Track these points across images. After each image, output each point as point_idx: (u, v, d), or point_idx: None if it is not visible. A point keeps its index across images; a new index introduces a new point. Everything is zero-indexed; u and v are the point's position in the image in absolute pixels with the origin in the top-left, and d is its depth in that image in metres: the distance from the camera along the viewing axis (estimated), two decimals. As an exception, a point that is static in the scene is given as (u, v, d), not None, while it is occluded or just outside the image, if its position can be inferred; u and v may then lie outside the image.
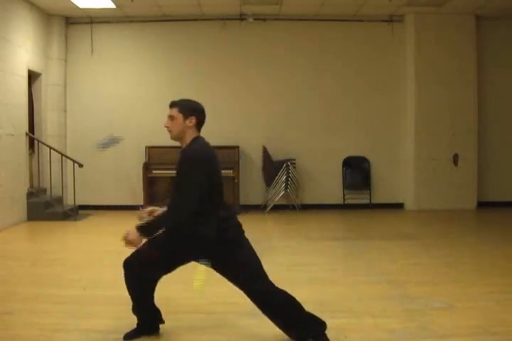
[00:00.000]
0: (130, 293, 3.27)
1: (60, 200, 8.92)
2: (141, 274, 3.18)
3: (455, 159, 9.52)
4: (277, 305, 3.17)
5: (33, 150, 8.91)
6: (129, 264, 3.22)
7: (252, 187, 9.61)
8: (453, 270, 5.20)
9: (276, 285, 3.20)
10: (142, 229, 3.05)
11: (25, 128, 8.39)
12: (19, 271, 5.22)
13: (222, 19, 9.51)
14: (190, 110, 3.22)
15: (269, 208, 9.35)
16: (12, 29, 7.87)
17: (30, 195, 8.39)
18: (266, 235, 7.30)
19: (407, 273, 5.06)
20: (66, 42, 9.52)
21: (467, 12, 9.27)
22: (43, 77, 9.07)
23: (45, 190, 8.92)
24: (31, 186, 8.73)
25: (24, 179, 8.33)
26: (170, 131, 3.26)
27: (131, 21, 9.56)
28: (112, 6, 8.72)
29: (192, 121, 3.20)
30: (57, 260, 5.72)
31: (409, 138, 9.62)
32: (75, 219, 8.44)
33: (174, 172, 3.20)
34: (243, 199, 9.33)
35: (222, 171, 3.29)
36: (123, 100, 9.64)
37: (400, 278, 4.87)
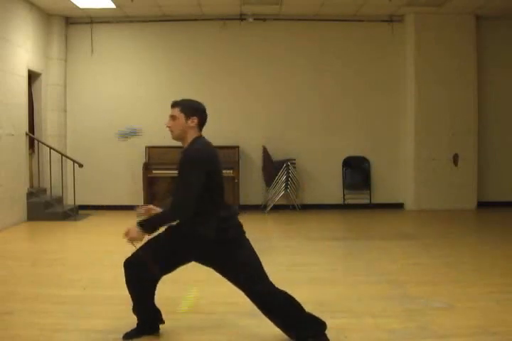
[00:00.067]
0: (130, 293, 3.28)
1: (60, 200, 8.92)
2: (142, 274, 3.18)
3: (455, 159, 9.52)
4: (277, 305, 3.17)
5: (33, 150, 8.91)
6: (129, 264, 3.22)
7: (252, 187, 9.61)
8: (453, 270, 5.19)
9: (276, 285, 3.20)
10: (143, 225, 3.06)
11: (25, 128, 8.39)
12: (19, 271, 5.22)
13: (222, 19, 9.51)
14: (192, 110, 3.22)
15: (269, 208, 9.35)
16: (12, 29, 7.87)
17: (30, 195, 8.39)
18: (266, 235, 7.30)
19: (407, 273, 5.06)
20: (66, 42, 9.52)
21: (467, 12, 9.27)
22: (43, 77, 9.07)
23: (45, 190, 8.92)
24: (31, 186, 8.73)
25: (24, 179, 8.33)
26: (171, 131, 3.25)
27: (131, 21, 9.56)
28: (112, 6, 8.72)
29: (194, 121, 3.20)
30: (57, 260, 5.71)
31: (409, 138, 9.62)
32: (75, 219, 8.44)
33: (174, 172, 3.20)
34: (243, 199, 9.33)
35: (222, 171, 3.29)
36: (123, 100, 9.64)
37: (400, 278, 4.87)
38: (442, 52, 9.41)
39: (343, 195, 9.77)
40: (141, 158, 9.40)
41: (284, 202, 9.49)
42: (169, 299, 3.90)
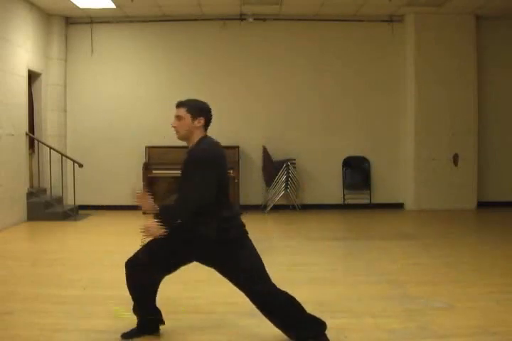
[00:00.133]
0: (131, 293, 3.27)
1: (60, 200, 8.92)
2: (143, 275, 3.18)
3: (455, 159, 9.52)
4: (278, 306, 3.16)
5: (33, 150, 8.91)
6: (130, 264, 3.21)
7: (252, 187, 9.61)
8: (453, 270, 5.19)
9: (276, 285, 3.19)
10: (161, 219, 3.01)
11: (25, 128, 8.39)
12: (19, 271, 5.22)
13: (222, 19, 9.51)
14: (199, 110, 3.21)
15: (269, 208, 9.35)
16: (12, 29, 7.87)
17: (30, 195, 8.38)
18: (266, 235, 7.30)
19: (407, 273, 5.06)
20: (66, 42, 9.52)
21: (467, 12, 9.27)
22: (43, 77, 9.07)
23: (45, 190, 8.92)
24: (31, 186, 8.73)
25: (24, 179, 8.33)
26: (177, 131, 3.23)
27: (131, 21, 9.56)
28: (112, 6, 8.72)
29: (200, 121, 3.20)
30: (57, 260, 5.71)
31: (409, 138, 9.61)
32: (75, 219, 8.44)
33: (174, 172, 3.20)
34: (243, 199, 9.33)
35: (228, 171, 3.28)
36: (123, 100, 9.64)
37: (400, 278, 4.87)
38: (442, 52, 9.41)
39: (343, 195, 9.77)
40: (141, 158, 9.40)
41: (284, 202, 9.49)
42: (170, 299, 3.90)
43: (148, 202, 3.22)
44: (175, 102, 3.31)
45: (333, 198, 9.74)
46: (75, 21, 9.54)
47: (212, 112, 3.28)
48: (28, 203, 8.24)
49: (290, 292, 3.21)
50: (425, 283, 4.67)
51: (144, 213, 8.80)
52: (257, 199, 9.61)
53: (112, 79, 9.66)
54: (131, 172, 9.47)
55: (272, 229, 8.28)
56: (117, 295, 3.90)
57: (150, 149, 9.34)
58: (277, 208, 9.36)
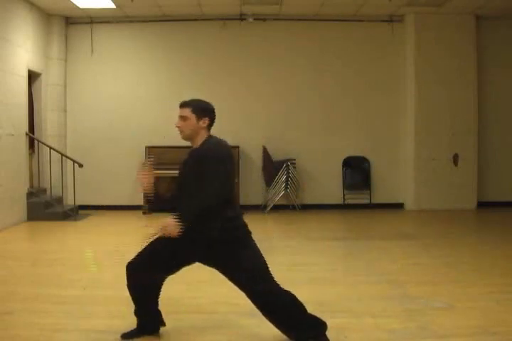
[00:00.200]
0: (131, 294, 3.27)
1: (60, 200, 8.92)
2: (144, 277, 3.18)
3: (455, 159, 9.52)
4: (280, 306, 3.14)
5: (33, 150, 8.91)
6: (132, 266, 3.21)
7: (252, 187, 9.60)
8: (453, 270, 5.20)
9: (280, 285, 3.18)
10: (180, 217, 2.97)
11: (25, 128, 8.39)
12: (19, 271, 5.22)
13: (222, 19, 9.51)
14: (204, 111, 3.21)
15: (269, 208, 9.35)
16: (12, 29, 7.87)
17: (30, 195, 8.38)
18: (266, 235, 7.29)
19: (407, 273, 5.06)
20: (66, 42, 9.52)
21: (467, 12, 9.27)
22: (43, 77, 9.07)
23: (45, 190, 8.92)
24: (31, 186, 8.73)
25: (24, 179, 8.33)
26: (181, 131, 3.22)
27: (131, 21, 9.56)
28: (112, 6, 8.72)
29: (205, 121, 3.20)
30: (57, 260, 5.71)
31: (409, 138, 9.62)
32: (75, 219, 8.44)
33: (174, 172, 3.19)
34: (243, 199, 9.32)
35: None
36: (123, 100, 9.64)
37: (400, 278, 4.87)
38: (442, 52, 9.41)
39: (343, 195, 9.77)
40: (141, 158, 9.40)
41: (284, 202, 9.49)
42: (171, 299, 3.90)
43: (150, 180, 3.21)
44: (175, 102, 3.31)
45: (333, 198, 9.75)
46: (75, 21, 9.54)
47: (214, 112, 3.29)
48: (28, 203, 8.24)
49: (291, 292, 3.21)
50: (425, 283, 4.67)
51: (145, 211, 8.83)
52: (257, 199, 9.61)
53: (112, 79, 9.66)
54: (131, 172, 9.42)
55: (271, 229, 8.27)
56: (117, 295, 3.90)
57: (150, 149, 9.33)
58: (277, 208, 9.36)
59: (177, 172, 3.34)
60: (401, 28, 9.67)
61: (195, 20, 9.53)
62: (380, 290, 4.46)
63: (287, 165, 9.27)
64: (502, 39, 9.64)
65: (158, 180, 3.25)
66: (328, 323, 3.21)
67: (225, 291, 3.81)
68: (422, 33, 9.40)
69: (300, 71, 9.71)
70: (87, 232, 7.66)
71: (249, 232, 3.22)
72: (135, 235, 7.49)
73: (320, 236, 7.21)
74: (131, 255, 3.29)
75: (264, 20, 9.58)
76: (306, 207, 9.56)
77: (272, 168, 9.35)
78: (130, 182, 9.47)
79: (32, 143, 8.79)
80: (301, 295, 3.27)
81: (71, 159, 8.70)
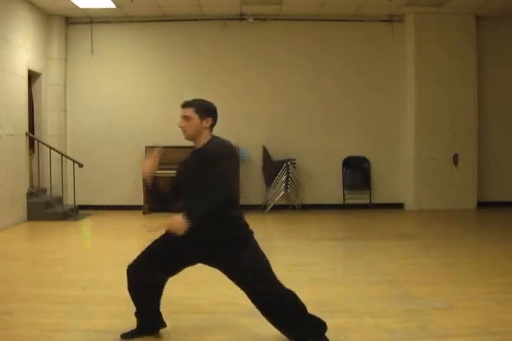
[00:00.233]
0: (132, 295, 3.26)
1: (60, 200, 8.92)
2: (144, 275, 3.17)
3: (455, 159, 9.52)
4: (281, 306, 3.13)
5: (33, 150, 8.91)
6: (133, 268, 3.20)
7: (252, 187, 9.59)
8: (453, 270, 5.20)
9: (283, 284, 3.17)
10: (188, 215, 2.95)
11: (25, 128, 8.39)
12: (19, 271, 5.22)
13: (222, 19, 9.51)
14: (207, 111, 3.21)
15: (269, 208, 9.35)
16: (12, 29, 7.87)
17: (30, 195, 8.38)
18: (266, 235, 7.28)
19: (407, 273, 5.06)
20: (66, 42, 9.52)
21: (467, 12, 9.27)
22: (43, 77, 9.07)
23: (45, 190, 8.92)
24: (31, 186, 8.73)
25: (24, 179, 8.33)
26: (184, 131, 3.22)
27: (131, 21, 9.56)
28: (112, 6, 8.72)
29: (208, 121, 3.21)
30: (57, 260, 5.71)
31: (409, 138, 9.62)
32: (75, 219, 8.44)
33: (174, 172, 3.19)
34: (243, 199, 9.23)
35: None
36: (123, 100, 9.64)
37: (400, 278, 4.87)
38: (442, 52, 9.41)
39: (343, 195, 9.77)
40: (141, 158, 9.39)
41: (284, 202, 9.49)
42: (171, 299, 3.89)
43: (154, 168, 3.23)
44: (175, 102, 3.32)
45: (333, 198, 9.74)
46: (75, 21, 9.54)
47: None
48: (28, 203, 8.24)
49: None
50: (425, 283, 4.67)
51: (145, 211, 8.83)
52: (257, 199, 9.61)
53: (112, 79, 9.66)
54: (131, 172, 9.47)
55: (272, 229, 8.27)
56: (117, 295, 3.89)
57: (150, 149, 9.32)
58: (277, 208, 9.36)
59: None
60: (401, 28, 9.67)
61: (195, 20, 9.53)
62: (380, 290, 4.46)
63: (287, 165, 9.27)
64: (502, 39, 9.63)
65: (158, 179, 3.25)
66: (328, 323, 3.21)
67: (225, 291, 3.82)
68: (422, 33, 9.40)
69: (300, 71, 9.71)
70: (87, 232, 7.65)
71: (251, 232, 3.21)
72: (135, 235, 7.51)
73: (320, 236, 7.21)
74: (131, 255, 3.29)
75: (264, 20, 9.58)
76: (306, 207, 9.56)
77: (272, 167, 9.35)
78: (130, 182, 9.50)
79: (32, 143, 8.79)
80: (302, 295, 3.27)
81: (71, 159, 8.70)
